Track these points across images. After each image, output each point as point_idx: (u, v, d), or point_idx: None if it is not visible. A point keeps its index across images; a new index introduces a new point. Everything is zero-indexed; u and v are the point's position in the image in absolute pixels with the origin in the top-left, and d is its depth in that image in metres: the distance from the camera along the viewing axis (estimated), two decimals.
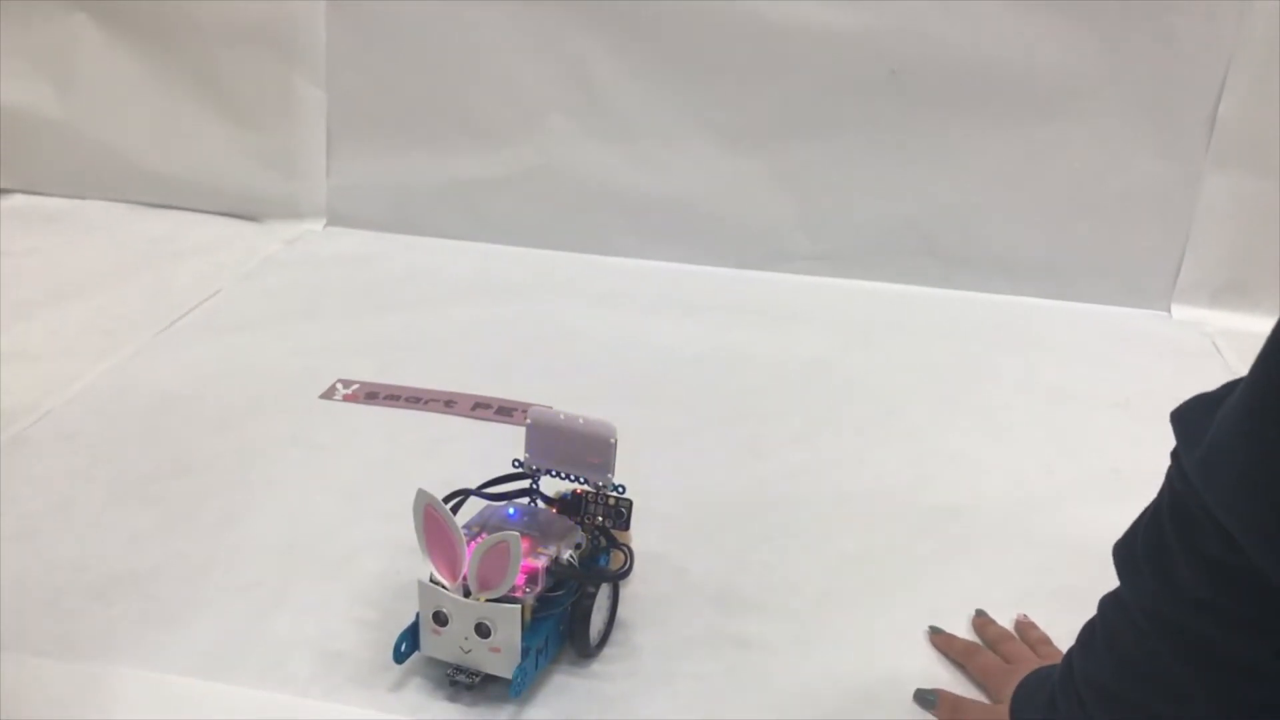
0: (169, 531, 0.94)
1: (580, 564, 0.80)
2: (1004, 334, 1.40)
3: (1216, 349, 1.38)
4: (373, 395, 1.18)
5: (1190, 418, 0.55)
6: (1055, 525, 1.00)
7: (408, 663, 0.78)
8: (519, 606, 0.74)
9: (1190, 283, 1.47)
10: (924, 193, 1.50)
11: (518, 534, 0.72)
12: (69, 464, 1.03)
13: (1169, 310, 1.48)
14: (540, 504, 0.85)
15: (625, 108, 1.54)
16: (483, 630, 0.74)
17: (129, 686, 0.76)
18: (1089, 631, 0.66)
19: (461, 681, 0.76)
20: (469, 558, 0.73)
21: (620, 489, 0.82)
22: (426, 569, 0.76)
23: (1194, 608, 0.56)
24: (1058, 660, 0.73)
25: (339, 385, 1.20)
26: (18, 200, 1.68)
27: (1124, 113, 1.42)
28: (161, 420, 1.11)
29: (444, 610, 0.75)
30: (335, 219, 1.65)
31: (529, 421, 0.84)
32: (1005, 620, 0.86)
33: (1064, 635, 0.77)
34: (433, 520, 0.74)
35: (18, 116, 1.65)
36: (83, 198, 1.68)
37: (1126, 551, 0.61)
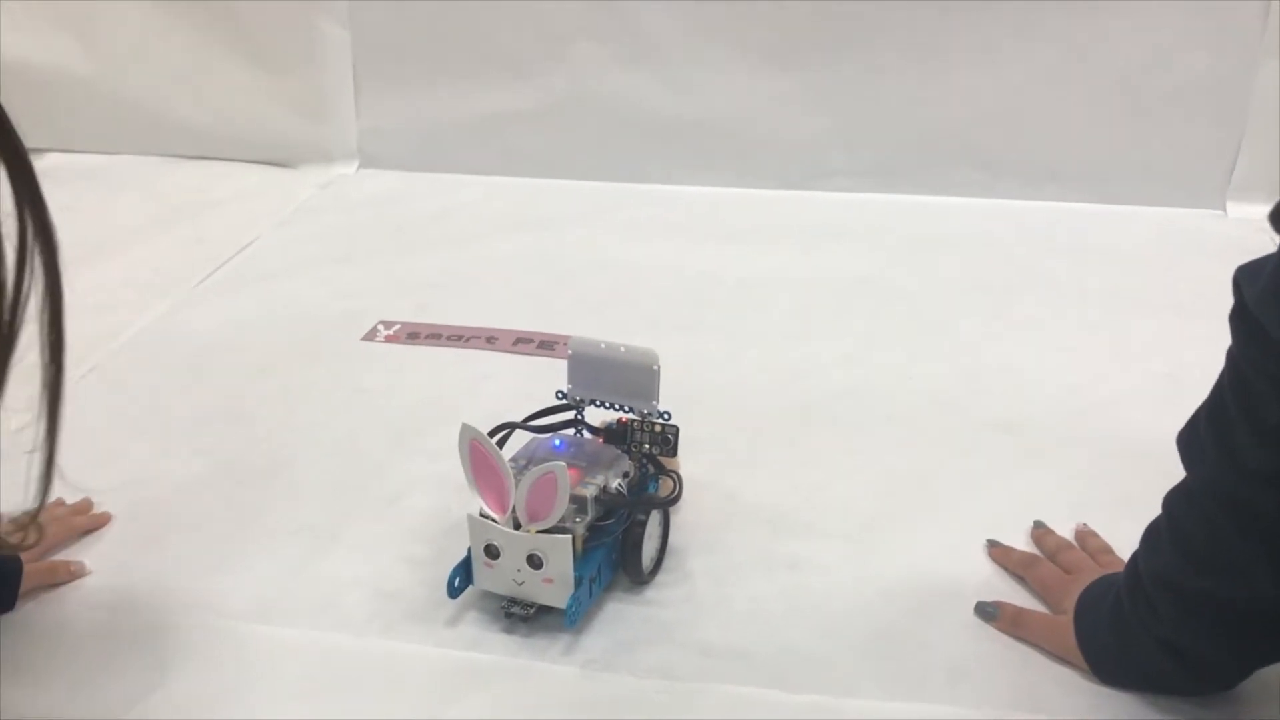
0: (218, 478, 0.94)
1: (629, 492, 0.79)
2: (1053, 242, 1.37)
3: (1276, 247, 1.33)
4: (414, 335, 1.17)
5: (1249, 267, 0.56)
6: (1112, 432, 0.98)
7: (462, 597, 0.78)
8: (570, 536, 0.73)
9: (1246, 178, 1.42)
10: (964, 99, 1.46)
11: (564, 464, 0.72)
12: (117, 416, 1.04)
13: (1224, 208, 1.44)
14: (586, 434, 0.84)
15: (654, 29, 1.50)
16: (535, 562, 0.73)
17: (186, 634, 0.77)
18: (1153, 530, 0.66)
19: (516, 614, 0.76)
20: (517, 490, 0.73)
21: (665, 416, 0.81)
22: (476, 504, 0.75)
23: (1258, 482, 0.56)
24: (1119, 569, 0.73)
25: (380, 327, 1.19)
26: (51, 159, 1.68)
27: (1173, 0, 1.36)
28: (206, 369, 1.12)
29: (495, 544, 0.74)
30: (367, 161, 1.64)
31: (570, 352, 0.83)
32: (1065, 530, 0.85)
33: (1125, 543, 0.76)
34: (479, 454, 0.74)
35: (46, 74, 1.65)
36: (115, 153, 1.68)
37: (1190, 435, 0.62)
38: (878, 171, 1.50)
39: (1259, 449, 0.55)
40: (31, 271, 0.57)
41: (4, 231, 0.55)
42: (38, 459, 0.61)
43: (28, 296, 0.57)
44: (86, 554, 0.85)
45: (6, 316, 0.56)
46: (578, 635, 0.76)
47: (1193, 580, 0.61)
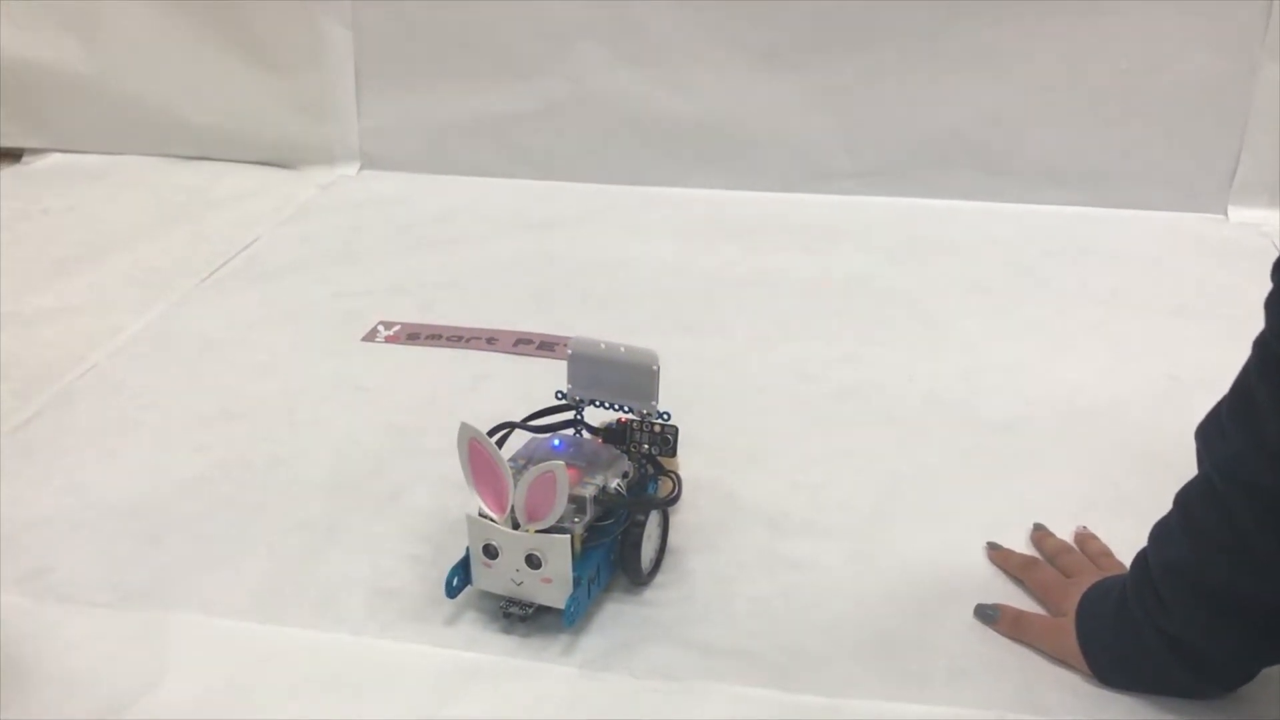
0: (218, 476, 0.94)
1: (628, 492, 0.79)
2: (1055, 245, 1.37)
3: (1278, 250, 1.34)
4: (414, 335, 1.17)
5: None
6: (1113, 434, 0.98)
7: (460, 597, 0.77)
8: (569, 536, 0.73)
9: (1247, 182, 1.42)
10: (966, 101, 1.46)
11: (563, 463, 0.71)
12: (117, 414, 1.03)
13: (1225, 213, 1.43)
14: (585, 434, 0.84)
15: (656, 30, 1.51)
16: (533, 562, 0.73)
17: (184, 632, 0.77)
18: (1163, 525, 0.66)
19: (515, 614, 0.76)
20: (515, 489, 0.73)
21: (665, 416, 0.81)
22: (474, 503, 0.75)
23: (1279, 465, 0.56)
24: (1119, 572, 0.72)
25: (380, 327, 1.19)
26: (54, 159, 1.69)
27: (1174, 3, 1.36)
28: (206, 367, 1.12)
29: (494, 543, 0.74)
30: (369, 162, 1.64)
31: (570, 352, 0.82)
32: (1065, 533, 0.84)
33: (1125, 546, 0.76)
34: (478, 453, 0.74)
35: (48, 74, 1.65)
36: (118, 153, 1.68)
37: (1212, 422, 0.63)
38: (879, 174, 1.50)
39: None
40: None
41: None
42: None
43: None
44: (84, 552, 0.85)
45: None
46: (576, 635, 0.76)
47: (1204, 571, 0.61)
